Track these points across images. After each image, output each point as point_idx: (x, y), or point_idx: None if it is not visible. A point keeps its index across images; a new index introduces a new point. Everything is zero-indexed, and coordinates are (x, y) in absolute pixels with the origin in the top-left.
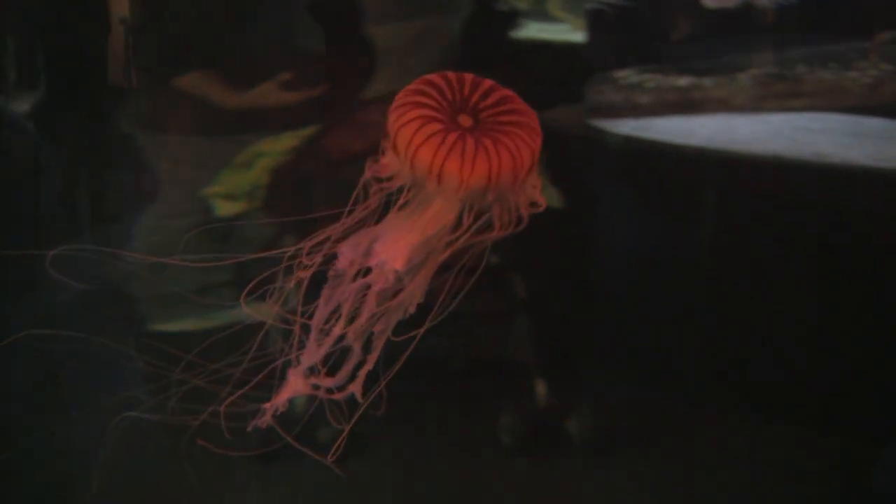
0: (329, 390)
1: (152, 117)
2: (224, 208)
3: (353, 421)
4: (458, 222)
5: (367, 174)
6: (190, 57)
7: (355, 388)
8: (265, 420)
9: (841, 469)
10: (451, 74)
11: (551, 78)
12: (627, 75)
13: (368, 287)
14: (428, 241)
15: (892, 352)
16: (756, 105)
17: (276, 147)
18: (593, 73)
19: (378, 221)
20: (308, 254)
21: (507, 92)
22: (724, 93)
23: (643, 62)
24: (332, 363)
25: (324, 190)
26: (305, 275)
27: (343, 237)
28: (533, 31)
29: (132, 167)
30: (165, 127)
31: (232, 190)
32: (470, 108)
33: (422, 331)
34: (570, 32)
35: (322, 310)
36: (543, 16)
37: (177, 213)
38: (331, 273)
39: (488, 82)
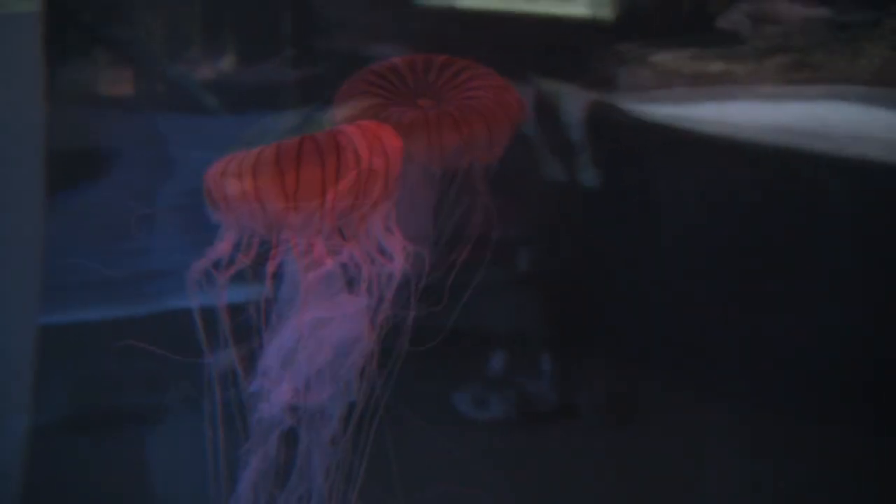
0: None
1: (162, 97)
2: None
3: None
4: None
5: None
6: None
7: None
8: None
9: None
10: (398, 61)
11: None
12: (665, 60)
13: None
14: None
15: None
16: (779, 92)
17: (279, 125)
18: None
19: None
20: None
21: (465, 63)
22: (750, 80)
23: (677, 45)
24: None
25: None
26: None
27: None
28: (516, 2)
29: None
30: (173, 107)
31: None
32: (429, 89)
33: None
34: (550, 5)
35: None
36: None
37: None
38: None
39: (441, 59)
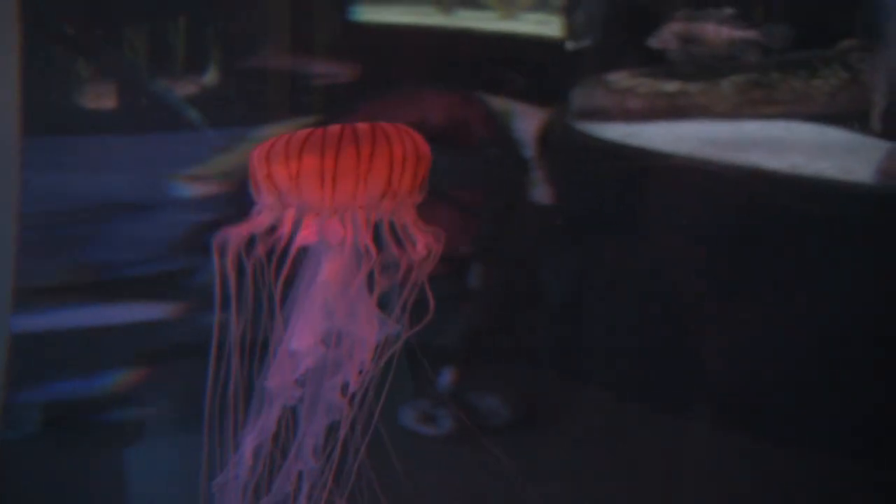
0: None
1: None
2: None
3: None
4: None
5: None
6: None
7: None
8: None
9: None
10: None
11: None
12: (620, 79)
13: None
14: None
15: (845, 354)
16: (735, 112)
17: (266, 133)
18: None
19: None
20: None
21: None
22: (707, 99)
23: (632, 64)
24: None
25: None
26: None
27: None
28: (459, 18)
29: None
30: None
31: (212, 172)
32: None
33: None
34: (495, 21)
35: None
36: (475, 3)
37: None
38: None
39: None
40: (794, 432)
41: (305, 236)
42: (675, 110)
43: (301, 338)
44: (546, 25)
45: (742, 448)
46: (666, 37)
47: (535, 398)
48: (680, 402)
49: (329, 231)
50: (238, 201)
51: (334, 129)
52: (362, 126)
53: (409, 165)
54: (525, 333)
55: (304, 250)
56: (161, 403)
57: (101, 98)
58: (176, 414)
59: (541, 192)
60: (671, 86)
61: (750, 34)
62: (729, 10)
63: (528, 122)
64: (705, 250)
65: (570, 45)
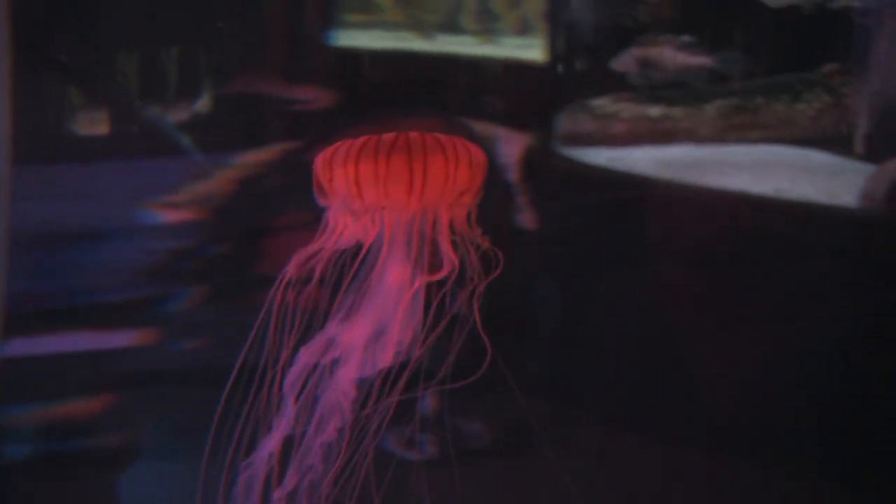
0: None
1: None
2: (167, 216)
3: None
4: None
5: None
6: None
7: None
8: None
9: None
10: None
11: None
12: (604, 104)
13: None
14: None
15: (829, 382)
16: (719, 136)
17: (248, 159)
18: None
19: None
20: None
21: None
22: (691, 123)
23: (616, 89)
24: None
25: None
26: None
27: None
28: (440, 43)
29: None
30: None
31: (186, 199)
32: None
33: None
34: (475, 46)
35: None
36: (454, 28)
37: None
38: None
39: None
40: (789, 460)
41: (362, 238)
42: (659, 135)
43: (350, 329)
44: (527, 50)
45: (738, 477)
46: (626, 61)
47: (522, 424)
48: (671, 430)
49: (386, 233)
50: (211, 228)
51: (389, 136)
52: (415, 134)
53: (463, 173)
54: (511, 359)
55: (364, 251)
56: (134, 430)
57: (94, 125)
58: (148, 441)
59: (524, 218)
60: (655, 110)
61: (704, 60)
62: (686, 37)
63: (511, 146)
64: (690, 274)
65: (556, 70)
